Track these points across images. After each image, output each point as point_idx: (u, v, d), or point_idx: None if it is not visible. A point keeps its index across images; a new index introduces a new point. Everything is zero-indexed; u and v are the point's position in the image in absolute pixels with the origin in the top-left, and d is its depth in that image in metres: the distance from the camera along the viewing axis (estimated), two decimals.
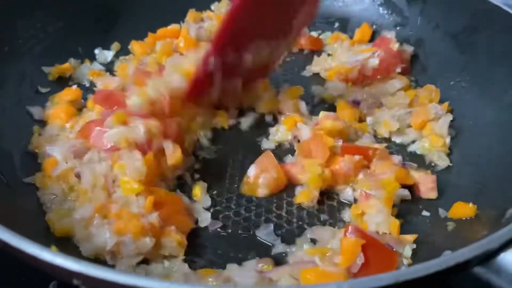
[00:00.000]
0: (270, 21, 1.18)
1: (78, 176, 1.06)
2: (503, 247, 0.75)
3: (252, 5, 1.11)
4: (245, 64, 1.20)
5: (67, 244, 0.98)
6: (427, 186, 1.13)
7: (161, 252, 0.96)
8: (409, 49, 1.48)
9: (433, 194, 1.13)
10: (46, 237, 0.97)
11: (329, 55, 1.54)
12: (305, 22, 1.31)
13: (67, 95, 1.32)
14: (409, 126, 1.29)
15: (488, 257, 0.75)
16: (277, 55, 1.33)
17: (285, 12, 1.19)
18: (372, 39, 1.56)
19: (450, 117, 1.27)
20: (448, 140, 1.24)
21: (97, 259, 0.94)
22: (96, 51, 1.50)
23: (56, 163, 1.09)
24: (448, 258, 0.73)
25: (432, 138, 1.24)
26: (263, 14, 1.15)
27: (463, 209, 1.05)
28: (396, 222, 1.02)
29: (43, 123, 1.26)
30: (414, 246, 0.99)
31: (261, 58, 1.23)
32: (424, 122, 1.27)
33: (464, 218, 1.04)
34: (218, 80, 1.19)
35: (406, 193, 1.11)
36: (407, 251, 0.98)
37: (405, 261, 0.97)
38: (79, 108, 1.31)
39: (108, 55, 1.51)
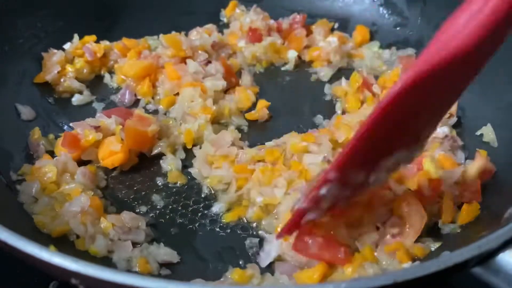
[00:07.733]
0: (414, 125, 0.82)
1: None
2: (501, 247, 0.75)
3: (406, 103, 0.74)
4: (367, 186, 0.88)
5: (67, 243, 0.98)
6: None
7: None
8: None
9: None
10: (45, 237, 0.97)
11: None
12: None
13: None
14: None
15: (487, 257, 0.75)
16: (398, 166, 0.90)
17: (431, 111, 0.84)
18: (371, 38, 1.55)
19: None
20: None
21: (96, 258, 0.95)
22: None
23: None
24: (446, 258, 0.73)
25: (441, 158, 1.10)
26: (414, 114, 0.79)
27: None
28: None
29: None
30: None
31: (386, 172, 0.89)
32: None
33: None
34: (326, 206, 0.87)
35: None
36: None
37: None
38: None
39: None
